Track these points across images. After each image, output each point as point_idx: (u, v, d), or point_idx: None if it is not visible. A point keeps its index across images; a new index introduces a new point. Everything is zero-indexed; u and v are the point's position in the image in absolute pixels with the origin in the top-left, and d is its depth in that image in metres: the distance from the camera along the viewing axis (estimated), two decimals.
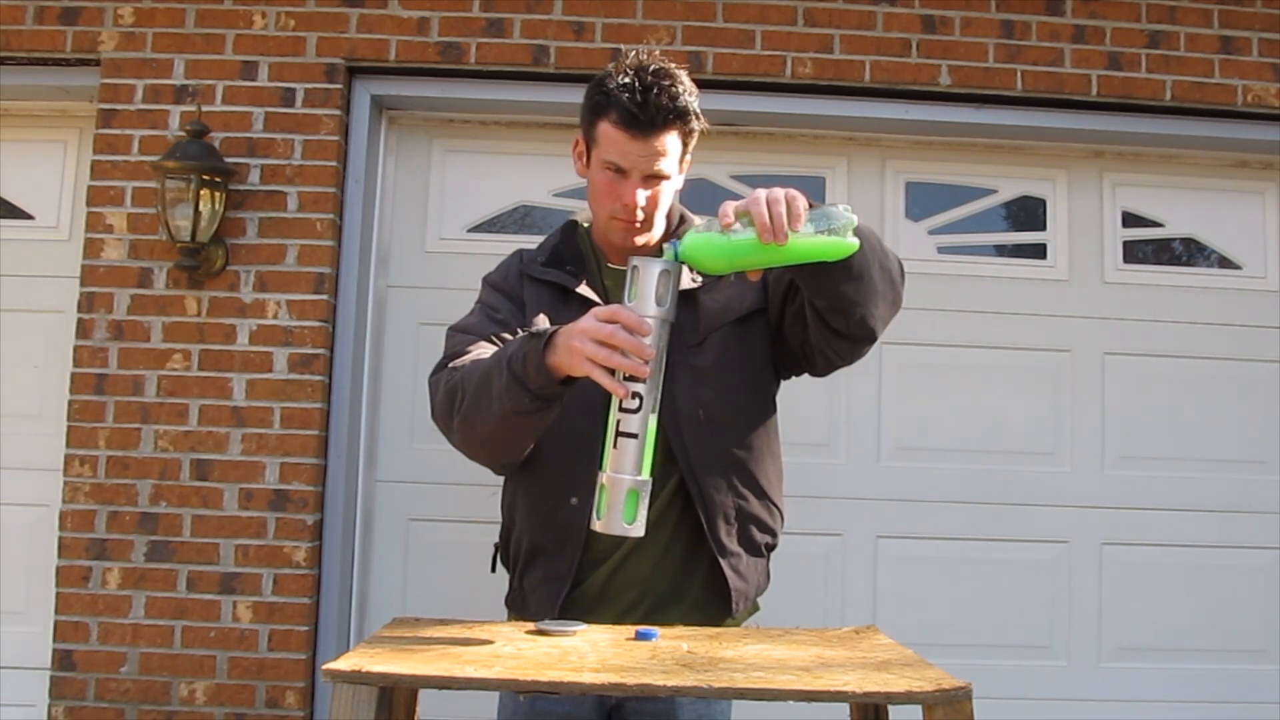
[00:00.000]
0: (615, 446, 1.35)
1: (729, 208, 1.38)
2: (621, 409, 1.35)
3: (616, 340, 1.33)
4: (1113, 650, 3.04)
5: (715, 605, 1.69)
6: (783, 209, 1.35)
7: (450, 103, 3.00)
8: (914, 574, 3.02)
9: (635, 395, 1.34)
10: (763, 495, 1.71)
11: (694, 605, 1.69)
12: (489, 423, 1.52)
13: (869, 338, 1.58)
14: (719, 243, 1.37)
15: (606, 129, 1.61)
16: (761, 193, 1.37)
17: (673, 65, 1.63)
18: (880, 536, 3.04)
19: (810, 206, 1.40)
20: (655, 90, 1.57)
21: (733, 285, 1.70)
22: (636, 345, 1.32)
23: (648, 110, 1.57)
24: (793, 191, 1.38)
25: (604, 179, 1.64)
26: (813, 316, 1.58)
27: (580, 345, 1.36)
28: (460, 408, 1.55)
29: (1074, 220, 3.15)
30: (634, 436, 1.35)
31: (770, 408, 1.76)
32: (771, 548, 1.76)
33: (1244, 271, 3.17)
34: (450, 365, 1.62)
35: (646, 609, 1.66)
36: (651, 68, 1.60)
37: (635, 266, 1.36)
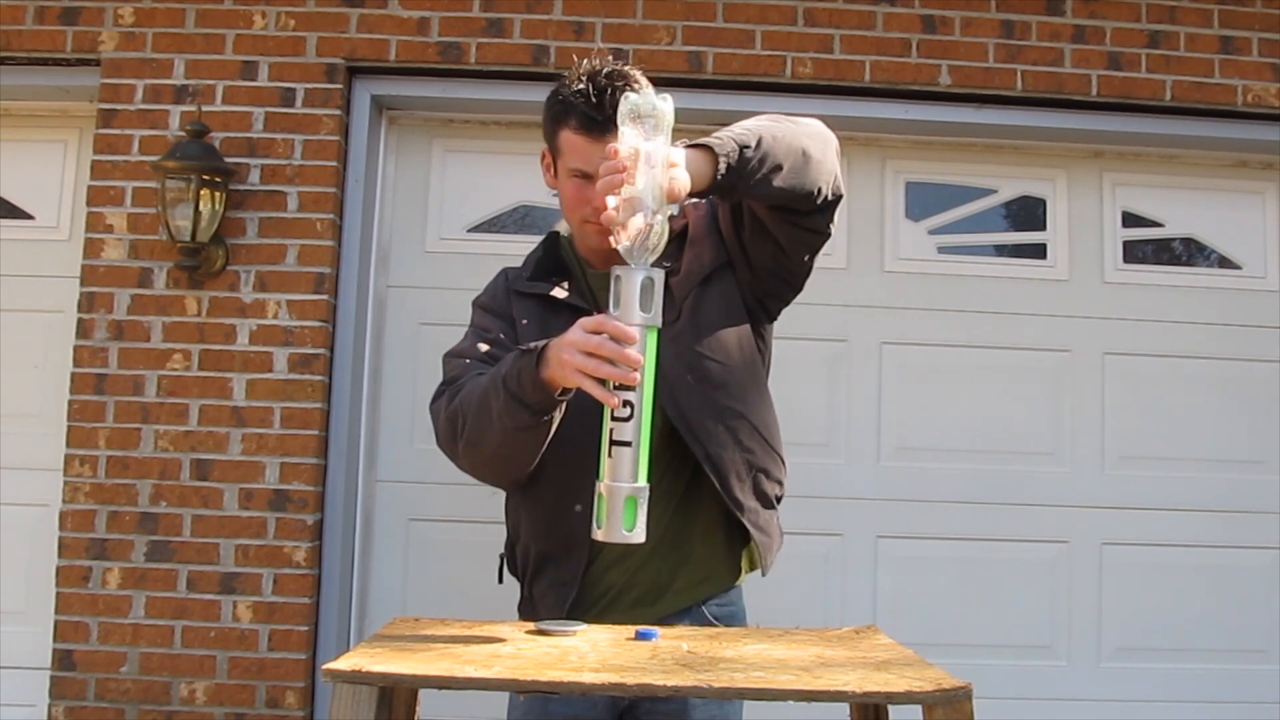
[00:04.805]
0: (610, 455, 1.35)
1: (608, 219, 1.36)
2: (614, 418, 1.35)
3: (604, 351, 1.33)
4: (1113, 650, 3.04)
5: (727, 571, 1.72)
6: (604, 178, 1.34)
7: (450, 103, 3.00)
8: (914, 574, 3.02)
9: (626, 404, 1.34)
10: (766, 444, 1.71)
11: (704, 578, 1.70)
12: (493, 443, 1.54)
13: (833, 202, 1.60)
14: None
15: (568, 136, 1.62)
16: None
17: (627, 67, 1.64)
18: (880, 536, 3.04)
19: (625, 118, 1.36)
20: (610, 91, 1.57)
21: (689, 251, 1.71)
22: (623, 354, 1.32)
23: (605, 111, 1.56)
24: (607, 163, 1.35)
25: (572, 187, 1.65)
26: (774, 219, 1.60)
27: (569, 358, 1.36)
28: (463, 432, 1.57)
29: (1074, 220, 3.15)
30: (628, 444, 1.34)
31: (757, 357, 1.75)
32: (780, 498, 1.77)
33: (1244, 271, 3.17)
34: (448, 391, 1.63)
35: (658, 594, 1.67)
36: (605, 70, 1.61)
37: (618, 275, 1.35)
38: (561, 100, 1.63)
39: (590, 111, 1.58)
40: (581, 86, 1.60)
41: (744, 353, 1.72)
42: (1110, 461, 3.09)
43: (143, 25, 2.90)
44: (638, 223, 1.32)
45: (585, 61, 1.64)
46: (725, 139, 1.44)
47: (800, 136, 1.53)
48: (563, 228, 1.81)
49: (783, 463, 1.76)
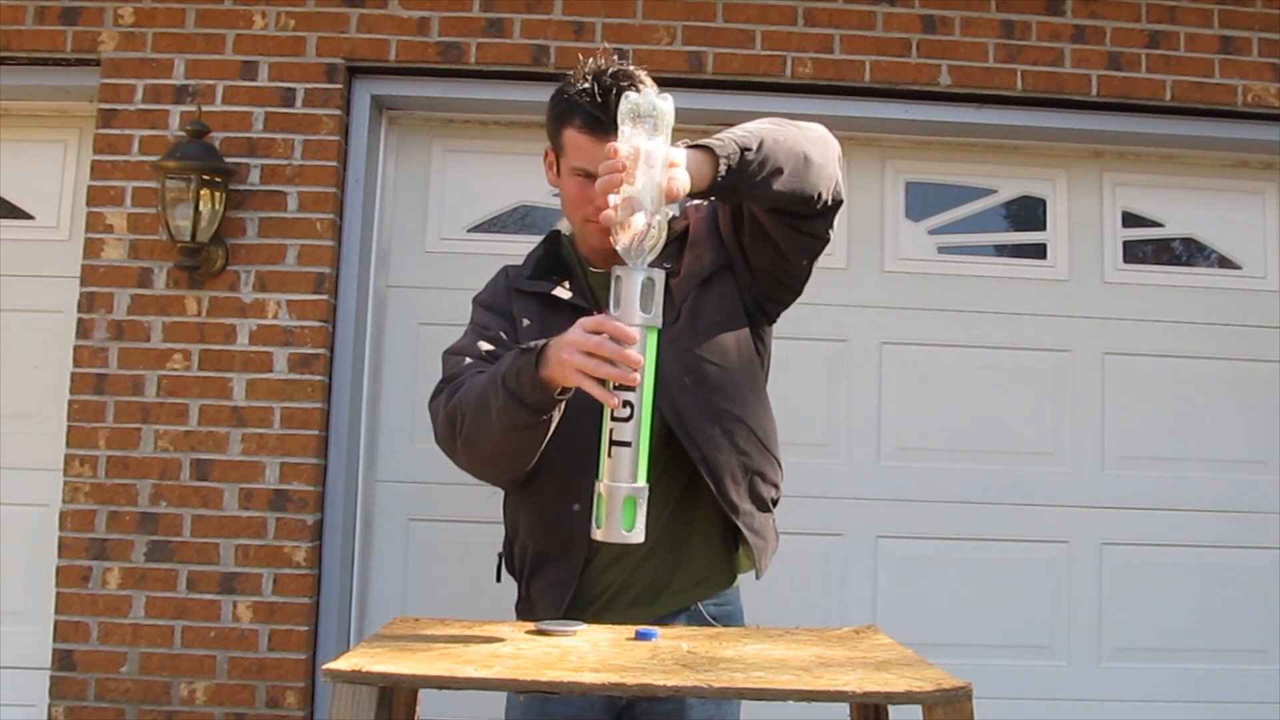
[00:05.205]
0: (610, 455, 1.35)
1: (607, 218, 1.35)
2: (614, 418, 1.35)
3: (604, 351, 1.33)
4: (1113, 650, 3.04)
5: (724, 572, 1.73)
6: (609, 166, 1.33)
7: (450, 103, 3.00)
8: (914, 574, 3.02)
9: (626, 404, 1.34)
10: (762, 448, 1.71)
11: (701, 579, 1.70)
12: (491, 441, 1.54)
13: (833, 207, 1.60)
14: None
15: (572, 135, 1.63)
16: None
17: (632, 67, 1.64)
18: (880, 536, 3.04)
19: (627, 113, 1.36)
20: (614, 91, 1.58)
21: (690, 252, 1.71)
22: (623, 354, 1.32)
23: (609, 111, 1.56)
24: (606, 162, 1.35)
25: (574, 185, 1.65)
26: (773, 222, 1.60)
27: (569, 357, 1.36)
28: (462, 430, 1.57)
29: (1074, 220, 3.15)
30: (628, 445, 1.34)
31: (755, 360, 1.75)
32: (776, 501, 1.77)
33: (1244, 271, 3.17)
34: (447, 389, 1.63)
35: (655, 594, 1.67)
36: (610, 70, 1.61)
37: (618, 275, 1.35)
38: (566, 99, 1.63)
39: (594, 111, 1.59)
40: (586, 85, 1.60)
41: (742, 355, 1.72)
42: (1110, 461, 3.09)
43: (143, 25, 2.90)
44: (637, 222, 1.33)
45: (590, 61, 1.64)
46: (726, 140, 1.44)
47: (802, 141, 1.53)
48: (564, 226, 1.81)
49: (779, 466, 1.76)
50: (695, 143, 1.43)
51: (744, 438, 1.68)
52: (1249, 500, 3.07)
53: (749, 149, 1.44)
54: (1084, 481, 3.07)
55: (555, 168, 1.71)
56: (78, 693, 2.74)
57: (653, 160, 1.33)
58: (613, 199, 1.33)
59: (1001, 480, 3.05)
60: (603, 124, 1.58)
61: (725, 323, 1.70)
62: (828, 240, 1.66)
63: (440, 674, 1.15)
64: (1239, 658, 3.04)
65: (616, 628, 1.49)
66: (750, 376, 1.73)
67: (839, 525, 3.04)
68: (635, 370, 1.33)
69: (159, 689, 2.74)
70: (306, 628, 2.77)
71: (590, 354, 1.34)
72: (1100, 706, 3.01)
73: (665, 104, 1.35)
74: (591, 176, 1.61)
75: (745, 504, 1.68)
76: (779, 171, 1.48)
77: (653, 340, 1.36)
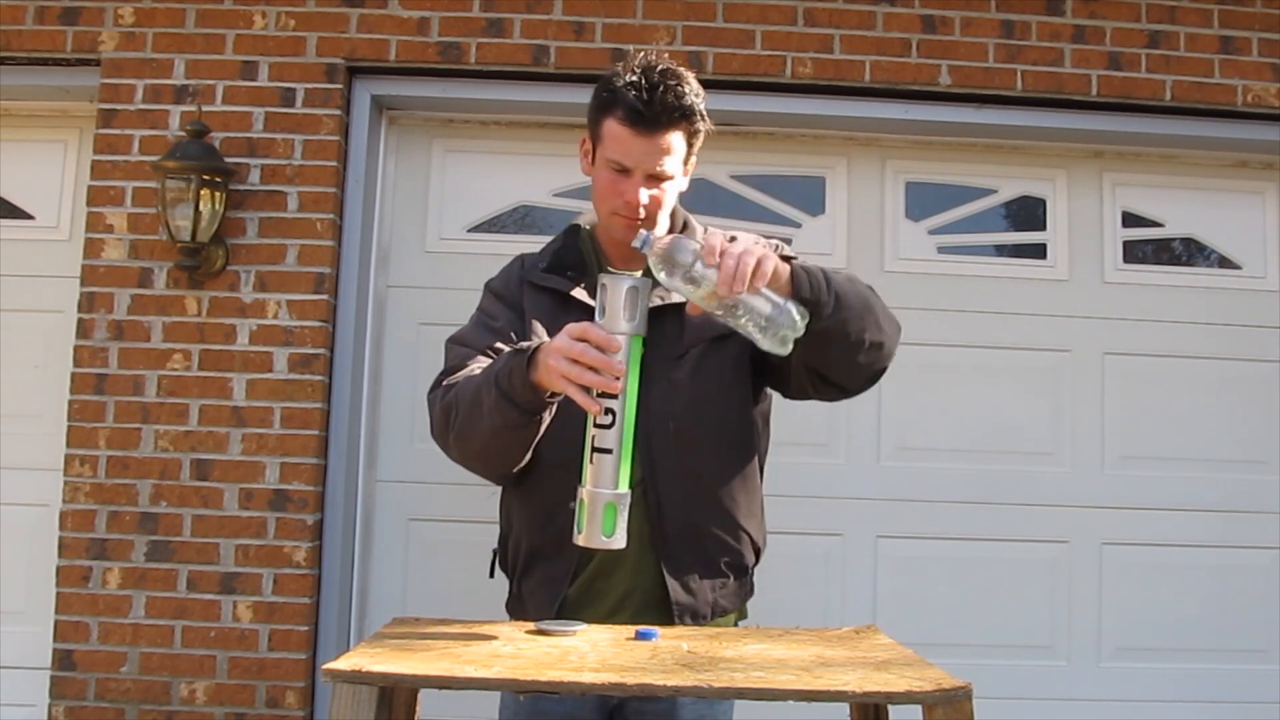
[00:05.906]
0: (591, 462, 1.37)
1: (717, 245, 1.37)
2: (596, 425, 1.36)
3: (587, 358, 1.34)
4: (1113, 650, 3.04)
5: (660, 613, 1.66)
6: (750, 263, 1.35)
7: (450, 103, 3.00)
8: (914, 574, 3.02)
9: (608, 411, 1.35)
10: (726, 516, 1.68)
11: (644, 607, 1.67)
12: (482, 437, 1.54)
13: (847, 390, 1.64)
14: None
15: (612, 126, 1.61)
16: (742, 243, 1.38)
17: (680, 67, 1.64)
18: (880, 536, 3.04)
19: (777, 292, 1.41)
20: (661, 88, 1.58)
21: None
22: (606, 362, 1.33)
23: (653, 108, 1.57)
24: (770, 255, 1.38)
25: (607, 177, 1.64)
26: (803, 370, 1.61)
27: (555, 363, 1.37)
28: (454, 424, 1.57)
29: (1074, 220, 3.15)
30: (609, 451, 1.36)
31: (748, 432, 1.73)
32: (738, 569, 1.72)
33: (1244, 271, 3.17)
34: (445, 382, 1.63)
35: (633, 611, 1.65)
36: (659, 67, 1.61)
37: (604, 284, 1.37)
38: (611, 90, 1.62)
39: (639, 106, 1.58)
40: (634, 79, 1.59)
41: (737, 420, 1.70)
42: (1110, 461, 3.08)
43: (143, 25, 2.90)
44: (661, 227, 1.34)
45: (641, 55, 1.64)
46: (818, 290, 1.45)
47: (867, 333, 1.53)
48: (584, 220, 1.80)
49: (749, 536, 1.72)
50: (792, 262, 1.45)
51: (707, 500, 1.66)
52: (1249, 500, 3.07)
53: (819, 315, 1.44)
54: (1084, 481, 3.07)
55: (591, 156, 1.69)
56: (78, 693, 2.74)
57: (771, 314, 1.37)
58: (717, 240, 1.35)
59: (1001, 480, 3.05)
60: (644, 119, 1.58)
61: (729, 383, 1.69)
62: (821, 400, 1.68)
63: (440, 674, 1.16)
64: (1239, 658, 3.04)
65: (616, 627, 1.49)
66: (740, 444, 1.71)
67: (839, 525, 3.04)
68: (617, 378, 1.34)
69: (159, 689, 2.74)
70: (306, 628, 2.77)
71: (574, 360, 1.35)
72: (1100, 706, 3.01)
73: (801, 323, 1.39)
74: (625, 170, 1.62)
75: (687, 563, 1.65)
76: (830, 342, 1.49)
77: (637, 348, 1.37)
